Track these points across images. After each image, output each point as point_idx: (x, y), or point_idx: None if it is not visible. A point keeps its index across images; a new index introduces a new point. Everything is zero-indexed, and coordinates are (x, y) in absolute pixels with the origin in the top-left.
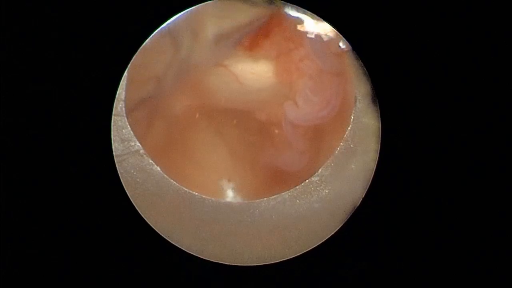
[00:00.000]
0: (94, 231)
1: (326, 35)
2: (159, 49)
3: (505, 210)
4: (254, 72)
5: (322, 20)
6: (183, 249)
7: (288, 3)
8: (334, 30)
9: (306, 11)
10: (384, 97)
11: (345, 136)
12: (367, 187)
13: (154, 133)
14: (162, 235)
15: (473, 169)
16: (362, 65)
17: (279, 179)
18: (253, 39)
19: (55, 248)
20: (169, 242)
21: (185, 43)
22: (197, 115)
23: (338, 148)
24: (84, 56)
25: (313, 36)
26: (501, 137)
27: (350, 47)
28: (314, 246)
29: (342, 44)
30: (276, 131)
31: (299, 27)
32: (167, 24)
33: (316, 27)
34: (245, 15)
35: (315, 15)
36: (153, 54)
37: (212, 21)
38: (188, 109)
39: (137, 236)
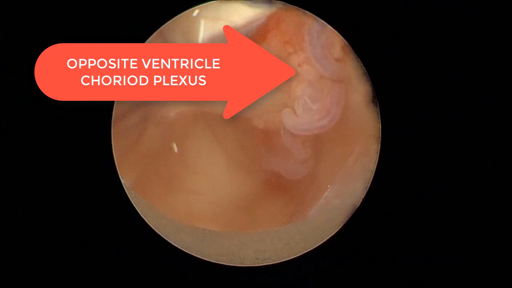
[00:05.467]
0: (94, 231)
1: (327, 38)
2: None
3: (505, 210)
4: None
5: (322, 20)
6: (183, 249)
7: (288, 3)
8: (335, 31)
9: (306, 11)
10: (384, 97)
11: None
12: (367, 188)
13: (147, 138)
14: (162, 236)
15: (472, 168)
16: (362, 65)
17: (280, 187)
18: None
19: (56, 248)
20: (169, 242)
21: None
22: (193, 120)
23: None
24: None
25: (314, 39)
26: (501, 136)
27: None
28: (314, 247)
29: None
30: (275, 140)
31: (299, 30)
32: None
33: (317, 29)
34: (241, 17)
35: (315, 16)
36: None
37: (206, 23)
38: (183, 115)
39: (137, 237)
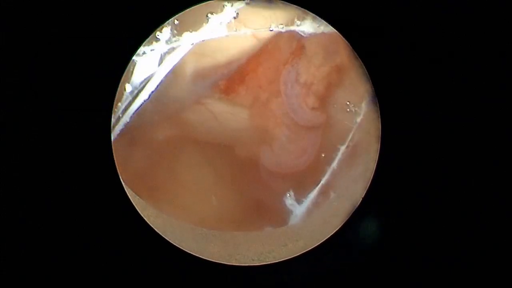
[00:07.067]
0: (93, 231)
1: (302, 88)
2: None
3: (505, 210)
4: (232, 113)
5: (321, 19)
6: (183, 249)
7: (288, 3)
8: (335, 30)
9: (306, 11)
10: (384, 97)
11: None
12: (367, 187)
13: (135, 157)
14: (162, 235)
15: (473, 169)
16: (362, 65)
17: (264, 212)
18: (229, 83)
19: (56, 249)
20: (169, 242)
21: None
22: (181, 142)
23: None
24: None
25: (288, 89)
26: (501, 136)
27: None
28: (314, 246)
29: None
30: (256, 170)
31: (275, 76)
32: None
33: (291, 80)
34: (223, 55)
35: (315, 15)
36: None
37: (190, 57)
38: (170, 138)
39: (136, 236)
